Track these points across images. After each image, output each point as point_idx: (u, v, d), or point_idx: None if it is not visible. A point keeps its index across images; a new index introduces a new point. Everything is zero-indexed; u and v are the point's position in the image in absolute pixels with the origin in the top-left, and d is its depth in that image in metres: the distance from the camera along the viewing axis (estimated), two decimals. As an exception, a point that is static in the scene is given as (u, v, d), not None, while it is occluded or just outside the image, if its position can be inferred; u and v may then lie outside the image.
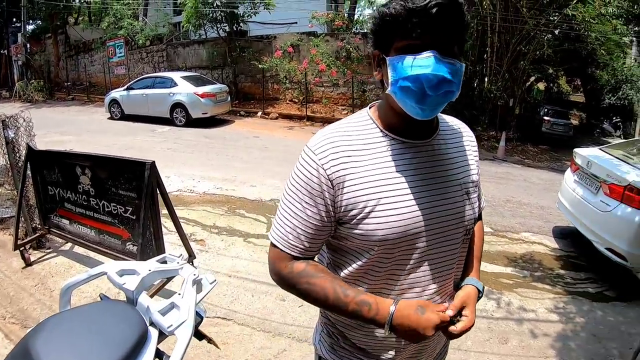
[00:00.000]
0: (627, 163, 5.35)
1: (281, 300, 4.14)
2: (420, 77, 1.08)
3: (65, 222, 4.61)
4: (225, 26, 18.43)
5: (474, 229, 1.47)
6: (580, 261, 5.64)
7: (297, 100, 17.99)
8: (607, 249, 4.95)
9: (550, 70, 17.13)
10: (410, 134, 1.26)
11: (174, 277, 1.98)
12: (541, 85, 22.37)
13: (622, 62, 21.14)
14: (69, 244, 5.07)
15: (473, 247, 1.50)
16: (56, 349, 1.36)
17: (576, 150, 6.14)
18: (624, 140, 8.75)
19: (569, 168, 6.31)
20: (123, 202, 3.98)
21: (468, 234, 1.37)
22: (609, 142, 14.58)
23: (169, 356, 1.52)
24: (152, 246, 3.85)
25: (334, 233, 1.28)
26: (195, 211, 6.40)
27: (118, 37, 21.50)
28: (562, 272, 5.31)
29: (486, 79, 15.92)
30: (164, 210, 3.95)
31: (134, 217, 3.91)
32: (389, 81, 1.15)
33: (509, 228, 6.60)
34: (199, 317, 1.75)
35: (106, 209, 4.14)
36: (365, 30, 17.66)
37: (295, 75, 16.98)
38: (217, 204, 6.87)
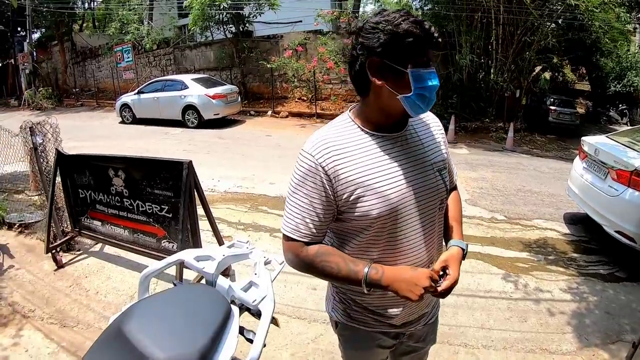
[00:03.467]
0: (633, 149, 5.55)
1: (312, 289, 4.35)
2: (433, 87, 1.46)
3: (97, 223, 4.76)
4: (232, 27, 18.54)
5: (448, 198, 1.80)
6: (592, 245, 5.86)
7: (305, 98, 18.15)
8: (616, 232, 5.16)
9: (555, 60, 17.17)
10: (387, 129, 1.57)
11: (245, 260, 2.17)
12: (546, 75, 22.36)
13: (626, 49, 21.16)
14: (99, 245, 5.24)
15: (450, 213, 1.81)
16: (153, 329, 1.49)
17: (584, 138, 6.35)
18: (630, 128, 8.89)
19: (578, 156, 6.52)
20: (158, 201, 4.13)
21: (443, 203, 1.68)
22: (616, 130, 14.65)
23: (250, 330, 1.74)
24: (189, 242, 4.01)
25: (336, 218, 1.57)
26: (219, 209, 6.55)
27: (125, 42, 21.58)
28: (574, 255, 5.52)
29: (492, 71, 16.00)
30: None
31: (170, 215, 4.08)
32: (411, 88, 1.43)
33: (521, 215, 6.81)
34: None
35: (140, 209, 4.29)
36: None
37: (304, 73, 17.15)
38: (239, 201, 7.07)
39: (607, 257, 5.49)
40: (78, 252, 5.17)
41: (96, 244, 5.25)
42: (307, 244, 1.56)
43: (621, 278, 5.02)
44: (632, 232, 4.96)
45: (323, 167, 1.48)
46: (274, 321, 2.06)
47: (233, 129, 14.64)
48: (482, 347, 3.64)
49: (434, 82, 1.45)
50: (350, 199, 1.49)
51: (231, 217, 6.35)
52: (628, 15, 15.39)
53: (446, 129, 13.18)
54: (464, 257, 1.64)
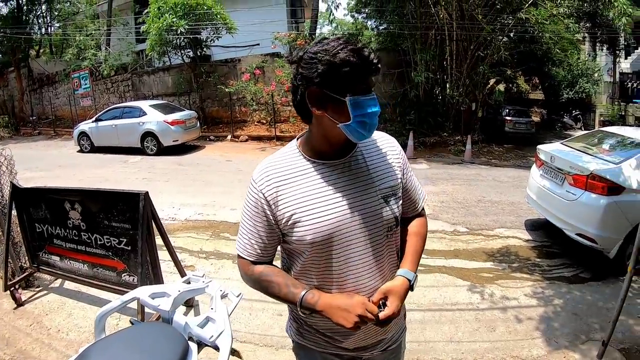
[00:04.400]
0: (588, 154, 5.75)
1: (278, 315, 4.25)
2: (373, 113, 1.46)
3: (56, 258, 4.57)
4: (189, 52, 18.44)
5: (408, 225, 1.81)
6: (554, 249, 5.98)
7: (265, 121, 18.14)
8: (577, 234, 5.29)
9: (509, 72, 17.67)
10: (331, 157, 1.58)
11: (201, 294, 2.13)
12: (501, 87, 22.97)
13: (576, 57, 22.07)
14: (59, 281, 5.04)
15: (408, 241, 1.77)
16: None
17: (539, 146, 6.51)
18: (583, 133, 9.15)
19: (534, 164, 6.67)
20: (117, 234, 3.99)
21: (391, 230, 1.64)
22: (571, 135, 15.11)
23: None
24: (149, 275, 3.89)
25: (283, 240, 1.61)
26: (180, 238, 6.43)
27: (82, 68, 21.16)
28: (537, 260, 5.62)
29: (447, 86, 16.38)
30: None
31: (129, 248, 3.95)
32: (350, 116, 1.44)
33: (483, 226, 6.90)
34: None
35: (99, 242, 4.14)
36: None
37: (262, 96, 17.13)
38: (200, 229, 6.94)
39: (570, 259, 5.61)
40: (38, 289, 4.95)
41: (56, 279, 5.04)
42: (254, 262, 1.62)
43: (585, 279, 5.14)
44: (592, 234, 5.10)
45: (264, 194, 1.54)
46: (236, 354, 2.01)
47: (193, 155, 14.49)
48: (452, 360, 3.62)
49: (374, 108, 1.46)
50: (288, 224, 1.52)
51: (193, 245, 6.23)
52: (577, 25, 15.98)
53: (405, 146, 13.32)
54: (411, 288, 1.61)
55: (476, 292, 4.75)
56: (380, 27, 18.10)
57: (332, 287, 1.58)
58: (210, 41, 18.52)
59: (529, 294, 4.74)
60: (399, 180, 1.68)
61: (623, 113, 22.15)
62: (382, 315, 1.47)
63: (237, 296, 2.13)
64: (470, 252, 5.86)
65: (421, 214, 1.88)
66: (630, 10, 14.45)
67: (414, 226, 1.81)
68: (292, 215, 1.51)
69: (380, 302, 1.51)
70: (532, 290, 4.83)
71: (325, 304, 1.47)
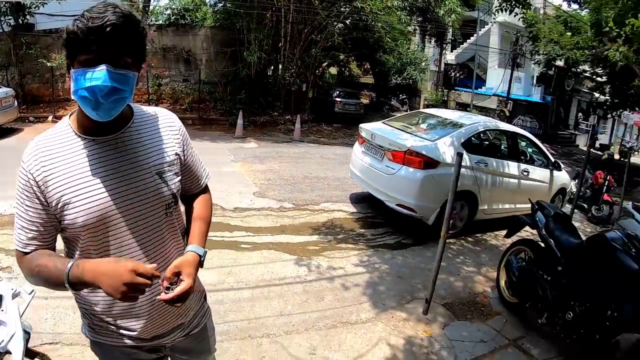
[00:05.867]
0: (406, 132, 6.21)
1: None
2: (93, 88, 1.26)
3: None
4: (10, 19, 16.31)
5: (193, 202, 1.75)
6: (377, 219, 6.42)
7: (90, 100, 16.85)
8: (397, 205, 5.75)
9: (342, 56, 18.51)
10: (100, 132, 1.42)
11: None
12: (333, 70, 24.07)
13: (406, 47, 24.35)
14: None
15: (194, 218, 1.71)
16: None
17: (361, 125, 6.90)
18: (404, 114, 9.92)
19: (357, 141, 7.06)
20: None
21: (169, 208, 1.56)
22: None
23: None
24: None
25: (60, 228, 1.43)
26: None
27: None
28: (362, 231, 5.97)
29: (280, 67, 16.75)
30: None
31: None
32: (72, 90, 1.31)
33: (309, 201, 7.12)
34: (26, 334, 1.74)
35: None
36: (161, 22, 17.13)
37: (88, 72, 15.83)
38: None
39: (392, 228, 6.07)
40: None
41: None
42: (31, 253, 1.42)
43: (407, 244, 5.62)
44: (411, 204, 5.59)
45: (33, 175, 1.35)
46: (45, 358, 1.83)
47: (9, 139, 12.46)
48: (284, 334, 3.66)
49: (96, 82, 1.26)
50: (58, 207, 1.36)
51: (10, 244, 5.22)
52: (409, 18, 17.43)
53: (235, 124, 13.32)
54: (201, 264, 1.54)
55: (303, 265, 4.87)
56: (219, 5, 17.76)
57: None
58: (35, 8, 16.53)
59: (355, 262, 5.01)
60: (177, 157, 1.60)
61: (445, 98, 25.23)
62: (177, 290, 1.37)
63: (30, 294, 1.91)
64: (296, 227, 5.98)
65: (205, 190, 1.82)
66: (459, 9, 16.05)
67: (199, 202, 1.76)
68: (61, 197, 1.35)
69: (166, 282, 1.41)
70: (358, 259, 5.11)
71: (91, 273, 1.27)
